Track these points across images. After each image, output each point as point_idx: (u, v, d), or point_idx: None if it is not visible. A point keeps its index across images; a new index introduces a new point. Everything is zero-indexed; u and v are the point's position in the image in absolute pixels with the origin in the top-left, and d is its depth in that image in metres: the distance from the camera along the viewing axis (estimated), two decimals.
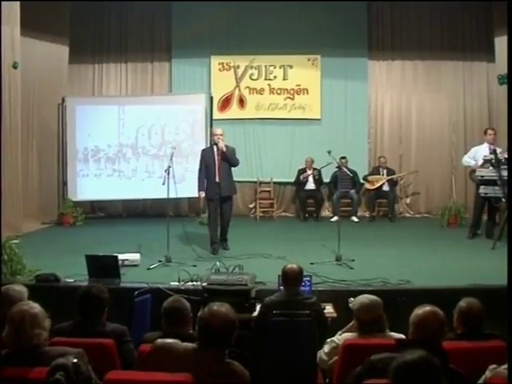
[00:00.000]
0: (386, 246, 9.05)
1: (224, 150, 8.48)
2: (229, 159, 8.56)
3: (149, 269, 7.31)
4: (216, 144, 8.57)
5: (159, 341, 3.34)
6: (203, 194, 8.63)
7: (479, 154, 9.42)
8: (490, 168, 8.83)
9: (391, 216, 12.00)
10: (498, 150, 9.02)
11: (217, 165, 8.52)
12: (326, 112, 12.79)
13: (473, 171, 9.52)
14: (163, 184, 7.91)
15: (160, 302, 4.25)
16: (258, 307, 5.36)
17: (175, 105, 12.24)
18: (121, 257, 6.90)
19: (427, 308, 3.42)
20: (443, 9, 12.52)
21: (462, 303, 3.92)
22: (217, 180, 8.49)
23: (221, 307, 3.25)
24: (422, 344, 2.97)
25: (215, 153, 8.57)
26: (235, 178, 9.13)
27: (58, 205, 11.90)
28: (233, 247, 8.68)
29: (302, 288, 5.42)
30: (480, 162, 9.24)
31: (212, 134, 8.82)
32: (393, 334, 4.03)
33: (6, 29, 9.34)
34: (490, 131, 9.64)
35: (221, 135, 8.59)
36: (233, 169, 8.72)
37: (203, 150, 8.90)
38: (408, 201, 12.97)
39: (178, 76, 12.86)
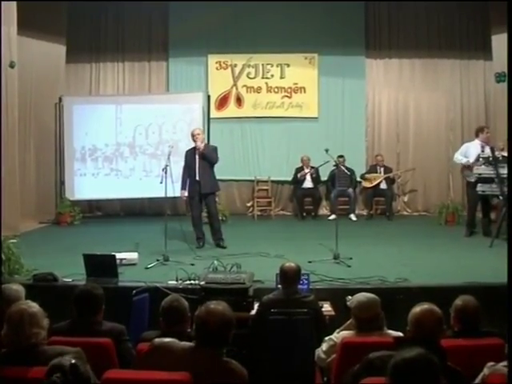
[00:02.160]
0: (384, 244, 9.05)
1: (201, 149, 8.66)
2: (207, 158, 8.71)
3: (147, 268, 7.31)
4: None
5: (157, 340, 3.34)
6: (185, 193, 8.83)
7: (470, 150, 9.44)
8: (483, 166, 8.87)
9: (389, 214, 12.01)
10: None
11: (197, 164, 8.70)
12: (324, 110, 12.79)
13: (465, 168, 9.51)
14: (161, 183, 7.91)
15: (158, 300, 4.26)
16: (255, 306, 5.36)
17: (172, 104, 12.24)
18: (118, 256, 6.89)
19: (425, 306, 3.43)
20: (440, 7, 12.52)
21: (458, 301, 3.94)
22: (197, 178, 8.69)
23: (217, 306, 3.24)
24: (420, 342, 2.98)
25: (196, 153, 8.74)
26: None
27: (55, 204, 11.89)
28: (230, 246, 8.68)
29: (300, 286, 5.42)
30: (472, 159, 9.27)
31: (191, 135, 8.89)
32: (391, 332, 4.03)
33: (2, 28, 9.32)
34: (487, 130, 9.66)
35: (198, 135, 8.82)
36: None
37: (186, 151, 8.99)
38: (405, 199, 12.99)
39: (176, 75, 12.86)
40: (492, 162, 8.69)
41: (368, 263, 7.52)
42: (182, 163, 8.98)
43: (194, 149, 8.79)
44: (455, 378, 3.10)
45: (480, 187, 8.93)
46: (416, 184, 12.90)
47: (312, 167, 12.20)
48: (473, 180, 9.18)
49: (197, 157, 8.71)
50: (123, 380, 3.14)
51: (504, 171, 8.45)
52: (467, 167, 9.36)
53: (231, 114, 12.84)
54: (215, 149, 8.89)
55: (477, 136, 9.58)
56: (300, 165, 12.36)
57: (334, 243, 7.79)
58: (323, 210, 12.73)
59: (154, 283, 6.24)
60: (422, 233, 10.27)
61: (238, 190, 12.87)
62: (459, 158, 9.62)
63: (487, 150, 9.07)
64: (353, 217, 12.00)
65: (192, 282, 6.25)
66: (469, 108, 12.76)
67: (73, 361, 2.83)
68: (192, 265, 7.28)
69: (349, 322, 4.31)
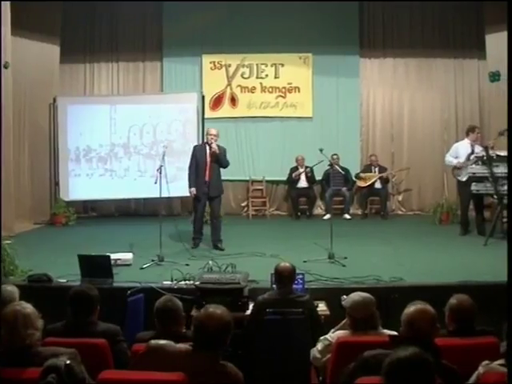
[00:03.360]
0: (379, 243, 9.05)
1: (217, 151, 8.51)
2: (220, 160, 8.60)
3: (141, 268, 7.28)
4: (209, 144, 8.58)
5: (152, 342, 3.34)
6: (195, 191, 8.62)
7: (460, 150, 9.51)
8: (474, 165, 8.94)
9: (383, 213, 12.02)
10: (479, 149, 9.11)
11: (208, 164, 8.56)
12: (318, 110, 12.79)
13: (455, 167, 9.54)
14: (155, 183, 7.91)
15: (153, 301, 4.26)
16: (250, 306, 5.36)
17: (167, 104, 12.21)
18: (113, 256, 6.88)
19: (418, 306, 3.43)
20: (434, 7, 12.53)
21: (453, 300, 3.94)
22: (206, 179, 8.54)
23: (217, 309, 3.27)
24: (415, 341, 2.98)
25: (207, 152, 8.58)
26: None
27: (50, 205, 11.85)
28: (226, 246, 8.65)
29: (295, 286, 5.41)
30: (462, 158, 9.33)
31: (207, 133, 8.78)
32: (386, 331, 4.03)
33: (2, 29, 9.30)
34: (478, 130, 9.75)
35: (215, 136, 8.60)
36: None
37: (195, 147, 8.86)
38: (400, 198, 12.99)
39: (170, 75, 12.84)
40: (486, 161, 8.72)
41: (363, 263, 7.52)
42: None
43: (204, 147, 8.68)
44: (450, 376, 3.11)
45: (474, 186, 8.96)
46: (410, 183, 12.91)
47: (307, 167, 12.20)
48: (464, 179, 9.23)
49: (208, 157, 8.57)
50: (118, 381, 3.14)
51: (498, 170, 8.48)
52: (458, 167, 9.42)
53: (225, 114, 12.82)
54: (225, 151, 8.73)
55: (467, 135, 9.65)
56: (295, 164, 12.37)
57: (328, 243, 7.78)
58: (318, 210, 12.73)
59: (148, 284, 6.23)
60: (417, 232, 10.28)
61: (233, 190, 12.85)
62: (449, 159, 9.67)
63: (477, 150, 9.15)
64: (347, 216, 12.00)
65: (187, 282, 6.25)
66: (463, 107, 12.77)
67: (67, 361, 2.83)
68: (187, 265, 7.25)
69: (344, 321, 4.31)
